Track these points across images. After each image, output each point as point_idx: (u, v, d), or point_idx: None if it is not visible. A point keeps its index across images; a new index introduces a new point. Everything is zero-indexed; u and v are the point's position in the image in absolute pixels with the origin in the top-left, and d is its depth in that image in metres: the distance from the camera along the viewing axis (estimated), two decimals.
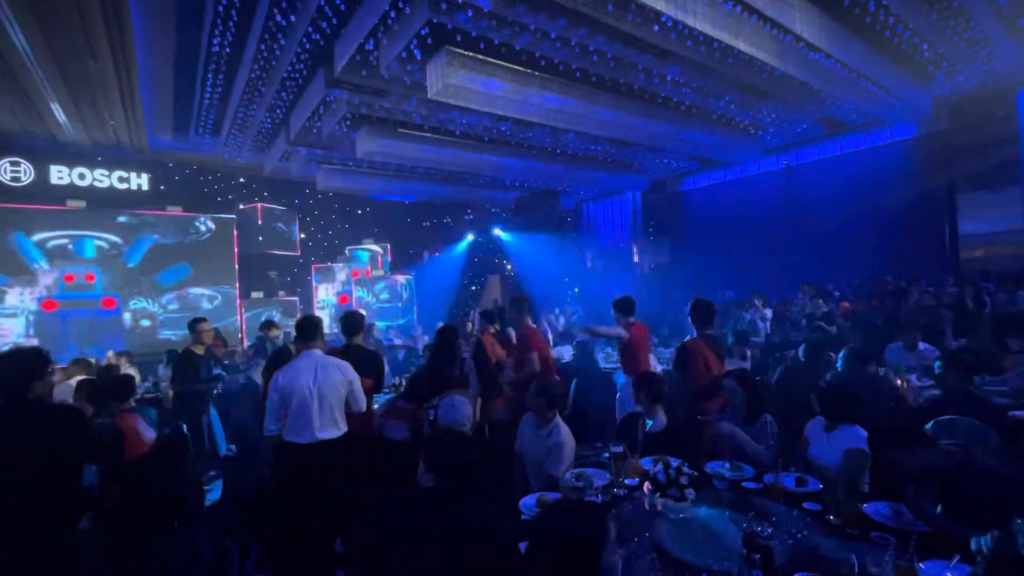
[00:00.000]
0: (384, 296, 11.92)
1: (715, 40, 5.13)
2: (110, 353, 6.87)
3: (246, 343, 9.29)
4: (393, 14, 5.07)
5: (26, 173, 8.75)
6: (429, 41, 5.32)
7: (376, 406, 4.54)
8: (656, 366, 5.14)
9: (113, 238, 9.36)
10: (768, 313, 7.45)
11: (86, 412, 3.10)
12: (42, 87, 6.32)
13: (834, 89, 6.55)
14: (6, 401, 2.30)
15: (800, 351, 4.35)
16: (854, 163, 9.27)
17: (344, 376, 3.40)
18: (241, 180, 10.98)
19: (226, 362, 6.16)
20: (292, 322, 5.14)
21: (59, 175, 8.99)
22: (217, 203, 10.60)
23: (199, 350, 5.06)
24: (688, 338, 4.26)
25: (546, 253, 14.35)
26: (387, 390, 5.26)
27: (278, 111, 7.62)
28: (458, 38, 5.37)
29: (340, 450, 3.35)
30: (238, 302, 10.46)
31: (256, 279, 11.00)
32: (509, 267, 15.00)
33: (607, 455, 2.70)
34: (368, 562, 1.82)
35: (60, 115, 7.26)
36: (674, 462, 2.40)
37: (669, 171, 11.30)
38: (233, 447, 4.90)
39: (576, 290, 13.82)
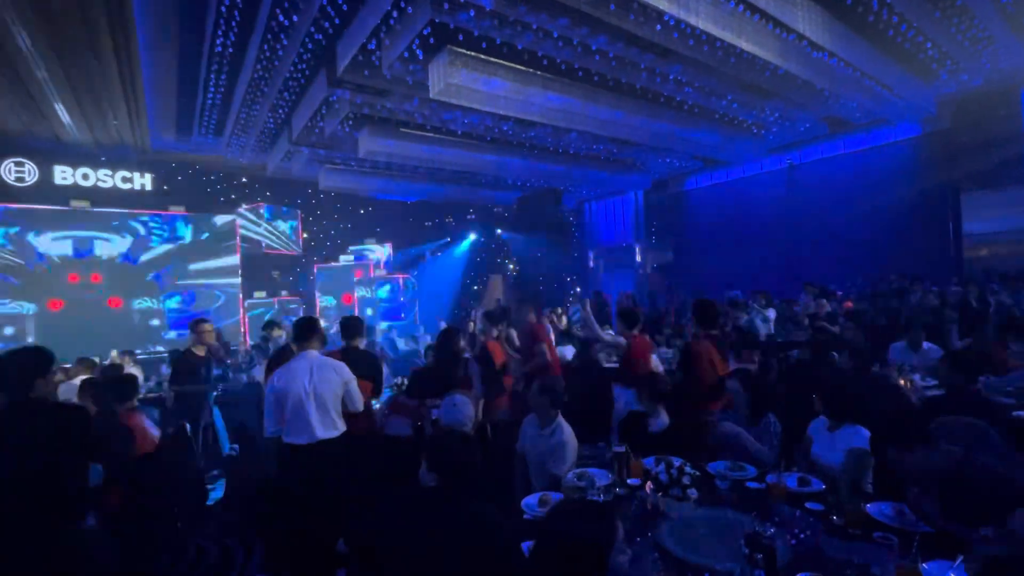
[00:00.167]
0: (386, 296, 11.93)
1: (718, 39, 5.12)
2: (114, 353, 6.89)
3: (249, 343, 9.32)
4: (395, 14, 5.08)
5: (30, 173, 8.79)
6: (431, 41, 5.32)
7: (378, 405, 4.56)
8: (658, 366, 5.12)
9: (117, 238, 9.40)
10: (771, 313, 7.42)
11: (90, 411, 3.11)
12: (46, 88, 6.35)
13: (837, 88, 6.53)
14: (10, 400, 2.32)
15: (803, 351, 4.34)
16: (857, 162, 9.23)
17: (340, 376, 3.40)
18: (244, 180, 11.01)
19: (228, 362, 6.17)
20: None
21: (63, 175, 9.03)
22: (220, 203, 10.64)
23: (200, 351, 5.06)
24: (692, 339, 4.25)
25: (548, 253, 14.35)
26: (390, 388, 5.27)
27: (280, 111, 7.64)
28: (460, 38, 5.38)
29: (340, 449, 3.35)
30: (240, 302, 10.49)
31: (259, 279, 11.03)
32: (511, 267, 15.00)
33: (609, 455, 2.69)
34: (370, 561, 1.83)
35: (64, 115, 7.30)
36: (676, 462, 2.40)
37: (671, 170, 11.29)
38: (236, 446, 4.92)
39: (578, 290, 13.81)
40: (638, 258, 12.94)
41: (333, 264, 11.97)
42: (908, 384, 4.03)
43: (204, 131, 8.43)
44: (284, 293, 11.28)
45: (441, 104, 6.67)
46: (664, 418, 3.15)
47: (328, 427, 3.30)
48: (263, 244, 10.98)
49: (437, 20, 4.88)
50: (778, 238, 10.05)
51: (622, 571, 1.44)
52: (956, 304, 6.27)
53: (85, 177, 9.19)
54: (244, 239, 10.62)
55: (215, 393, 5.30)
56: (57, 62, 5.81)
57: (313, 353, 3.41)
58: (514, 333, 5.20)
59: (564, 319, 8.98)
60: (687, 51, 5.47)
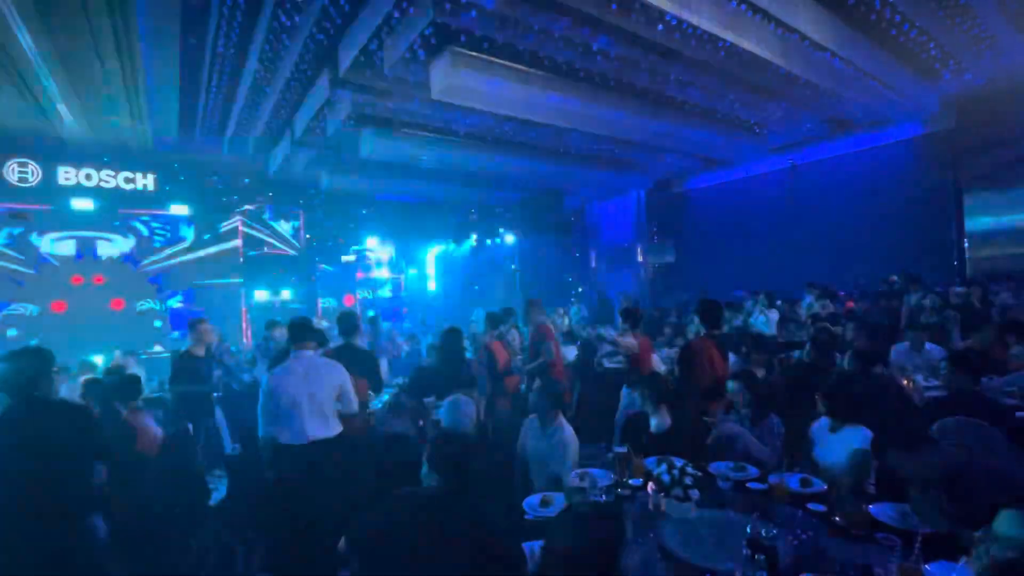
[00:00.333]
0: (388, 296, 11.95)
1: (720, 39, 5.11)
2: (117, 353, 6.90)
3: (250, 343, 9.34)
4: (397, 14, 5.07)
5: (33, 174, 8.81)
6: (433, 41, 5.32)
7: (379, 404, 4.58)
8: (659, 366, 5.13)
9: (119, 238, 9.43)
10: (774, 314, 7.40)
11: (93, 411, 3.12)
12: (49, 88, 6.37)
13: (840, 88, 6.51)
14: (14, 400, 2.33)
15: (806, 351, 4.33)
16: (860, 162, 9.20)
17: (334, 376, 3.39)
18: (246, 180, 11.02)
19: (231, 363, 6.18)
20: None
21: (66, 176, 9.05)
22: (222, 203, 10.66)
23: (199, 351, 5.05)
24: (694, 337, 4.26)
25: (549, 253, 14.34)
26: (392, 388, 5.28)
27: (282, 111, 7.64)
28: (462, 38, 5.37)
29: (335, 450, 3.33)
30: (242, 302, 10.52)
31: (261, 279, 11.05)
32: (513, 267, 15.00)
33: (611, 455, 2.69)
34: (372, 561, 1.83)
35: (67, 116, 7.32)
36: (678, 463, 2.40)
37: (674, 170, 11.26)
38: (237, 446, 4.92)
39: (580, 290, 13.81)
40: (640, 258, 12.92)
41: (335, 264, 11.99)
42: (910, 385, 4.02)
43: (206, 131, 8.44)
44: (286, 293, 11.30)
45: (443, 105, 6.66)
46: (666, 419, 3.15)
47: (321, 428, 3.27)
48: (265, 244, 11.00)
49: (439, 21, 4.88)
50: (780, 238, 10.02)
51: (632, 571, 1.44)
52: (958, 304, 6.25)
53: (88, 177, 9.21)
54: (246, 239, 10.65)
55: (217, 393, 5.31)
56: (60, 63, 5.83)
57: (308, 353, 3.40)
58: (516, 334, 5.24)
59: (566, 319, 8.98)
60: (689, 51, 5.46)
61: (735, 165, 10.84)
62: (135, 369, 5.94)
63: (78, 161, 9.06)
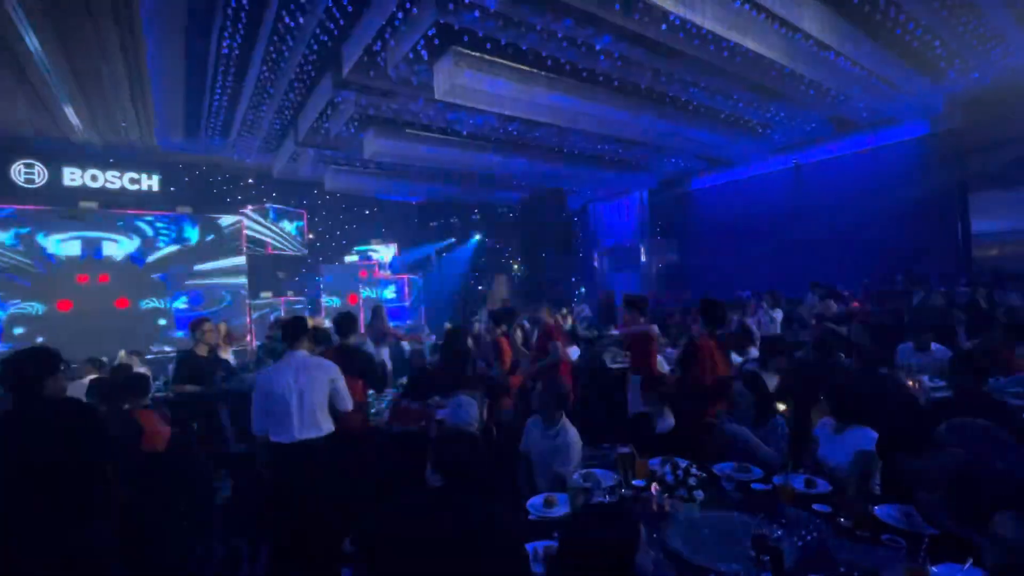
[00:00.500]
0: (391, 296, 11.96)
1: (723, 39, 5.11)
2: (122, 352, 6.94)
3: (254, 343, 9.37)
4: (400, 15, 5.09)
5: (39, 175, 8.88)
6: (436, 42, 5.33)
7: (383, 404, 4.58)
8: (663, 366, 5.12)
9: (124, 238, 9.47)
10: (778, 314, 7.37)
11: (99, 410, 3.13)
12: (55, 90, 6.41)
13: (844, 87, 6.50)
14: (20, 399, 2.34)
15: (809, 351, 4.30)
16: (864, 161, 9.16)
17: (326, 376, 3.39)
18: (250, 181, 11.07)
19: (234, 363, 6.20)
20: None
21: (72, 177, 9.12)
22: (226, 204, 10.70)
23: (202, 351, 5.06)
24: (696, 335, 4.22)
25: (553, 253, 14.33)
26: (395, 388, 5.28)
27: (286, 112, 7.68)
28: (465, 38, 5.38)
29: (326, 449, 3.33)
30: (246, 302, 10.55)
31: (265, 279, 11.09)
32: (516, 267, 15.00)
33: (614, 456, 2.69)
34: (376, 561, 1.83)
35: (73, 117, 7.36)
36: (682, 463, 2.39)
37: (677, 170, 11.25)
38: (242, 446, 4.93)
39: (583, 290, 13.80)
40: (643, 258, 12.90)
41: (338, 264, 12.02)
42: (916, 385, 3.99)
43: (211, 132, 8.49)
44: (290, 293, 11.33)
45: (446, 105, 6.68)
46: (670, 419, 3.15)
47: (311, 427, 3.27)
48: (269, 245, 11.03)
49: (442, 21, 4.89)
50: (784, 238, 9.98)
51: (646, 572, 1.44)
52: (964, 305, 6.21)
53: (94, 178, 9.28)
54: (250, 240, 10.67)
55: (220, 392, 5.32)
56: (66, 64, 5.87)
57: (301, 353, 3.40)
58: (520, 333, 5.25)
59: (569, 319, 8.97)
60: (692, 51, 5.46)
61: (739, 165, 10.81)
62: (140, 368, 5.97)
63: (83, 162, 9.12)
